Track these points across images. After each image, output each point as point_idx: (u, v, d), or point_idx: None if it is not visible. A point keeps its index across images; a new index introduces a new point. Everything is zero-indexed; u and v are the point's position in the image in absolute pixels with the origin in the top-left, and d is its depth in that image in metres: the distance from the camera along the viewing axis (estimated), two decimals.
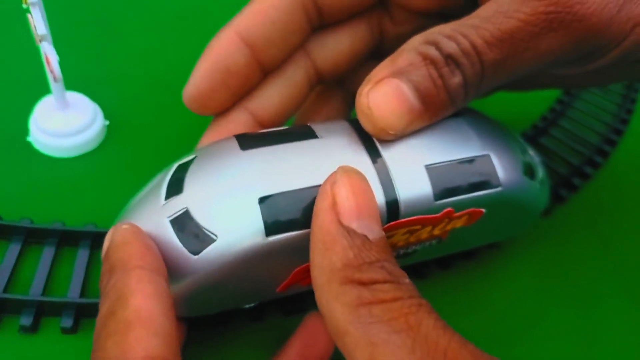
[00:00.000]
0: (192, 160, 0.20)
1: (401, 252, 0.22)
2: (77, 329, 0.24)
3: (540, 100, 0.38)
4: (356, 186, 0.18)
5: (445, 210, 0.21)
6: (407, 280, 0.17)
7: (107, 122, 0.32)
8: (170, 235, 0.19)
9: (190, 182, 0.20)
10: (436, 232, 0.22)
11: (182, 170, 0.20)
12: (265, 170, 0.19)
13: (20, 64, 0.35)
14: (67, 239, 0.26)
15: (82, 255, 0.26)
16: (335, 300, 0.16)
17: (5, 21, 0.38)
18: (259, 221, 0.19)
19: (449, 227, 0.22)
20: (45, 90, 0.31)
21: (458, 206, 0.21)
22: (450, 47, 0.20)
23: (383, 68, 0.21)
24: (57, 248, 0.26)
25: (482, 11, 0.21)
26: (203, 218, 0.19)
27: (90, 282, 0.26)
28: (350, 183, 0.18)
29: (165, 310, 0.17)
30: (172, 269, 0.19)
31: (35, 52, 0.28)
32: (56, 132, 0.30)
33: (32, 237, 0.26)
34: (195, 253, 0.19)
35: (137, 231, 0.19)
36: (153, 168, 0.28)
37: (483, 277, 0.29)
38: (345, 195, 0.18)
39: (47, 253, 0.25)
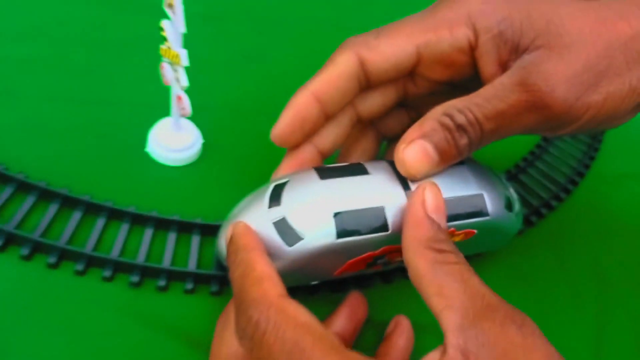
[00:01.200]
0: (286, 182, 0.27)
1: None
2: (194, 290, 0.32)
3: (523, 144, 0.44)
4: (436, 194, 0.25)
5: (450, 230, 0.27)
6: (460, 254, 0.24)
7: (203, 141, 0.38)
8: (273, 232, 0.26)
9: (286, 198, 0.26)
10: None
11: (279, 188, 0.27)
12: (337, 195, 0.26)
13: (146, 90, 0.40)
14: (183, 228, 0.34)
15: (195, 239, 0.33)
16: (420, 257, 0.24)
17: (136, 47, 0.44)
18: (333, 228, 0.25)
19: None
20: (162, 112, 0.37)
21: (458, 227, 0.27)
22: (461, 119, 0.26)
23: (414, 131, 0.27)
24: (177, 234, 0.34)
25: (484, 91, 0.27)
26: (295, 223, 0.26)
27: (203, 258, 0.33)
28: (433, 191, 0.25)
29: (276, 273, 0.24)
30: (273, 254, 0.26)
31: (158, 81, 0.33)
32: (169, 147, 0.37)
33: (160, 225, 0.34)
34: (289, 245, 0.25)
35: (249, 227, 0.26)
36: (238, 178, 0.36)
37: None
38: (430, 197, 0.25)
39: (171, 237, 0.33)
